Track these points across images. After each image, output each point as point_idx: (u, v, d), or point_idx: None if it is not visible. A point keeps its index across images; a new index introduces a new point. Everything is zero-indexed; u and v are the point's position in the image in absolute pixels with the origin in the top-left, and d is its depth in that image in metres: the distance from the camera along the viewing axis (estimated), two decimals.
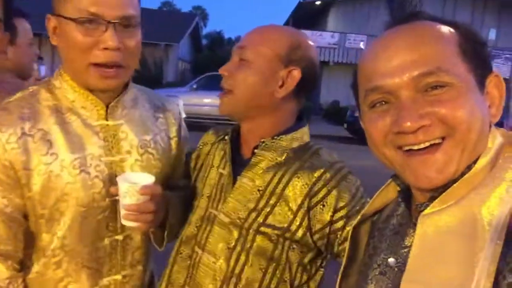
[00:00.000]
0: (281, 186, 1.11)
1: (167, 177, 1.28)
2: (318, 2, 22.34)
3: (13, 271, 1.10)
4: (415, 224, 0.71)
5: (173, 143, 1.30)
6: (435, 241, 0.67)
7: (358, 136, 12.47)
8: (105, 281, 1.17)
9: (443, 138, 0.68)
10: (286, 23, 27.68)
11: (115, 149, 1.15)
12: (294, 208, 1.09)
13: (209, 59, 26.89)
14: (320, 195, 1.08)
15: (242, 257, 1.11)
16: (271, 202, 1.10)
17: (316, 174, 1.09)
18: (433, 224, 0.68)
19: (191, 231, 1.20)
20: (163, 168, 1.24)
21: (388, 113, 0.71)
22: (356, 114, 13.90)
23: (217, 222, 1.15)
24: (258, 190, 1.12)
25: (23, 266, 1.14)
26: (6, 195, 1.06)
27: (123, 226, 1.15)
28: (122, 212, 1.06)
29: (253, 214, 1.11)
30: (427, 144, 0.68)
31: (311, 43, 1.20)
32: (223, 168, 1.20)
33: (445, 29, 0.72)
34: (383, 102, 0.72)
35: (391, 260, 0.76)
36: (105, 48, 1.04)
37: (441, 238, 0.67)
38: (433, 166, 0.68)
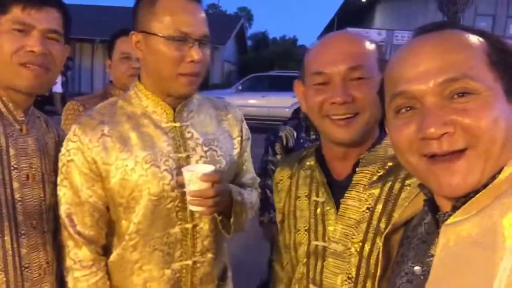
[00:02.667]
0: (392, 199, 1.05)
1: (231, 172, 1.41)
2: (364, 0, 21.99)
3: (96, 254, 1.27)
4: (439, 233, 0.71)
5: (236, 142, 1.43)
6: (456, 250, 0.66)
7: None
8: (176, 265, 1.30)
9: (466, 148, 0.67)
10: (331, 21, 27.41)
11: (182, 147, 1.30)
12: None
13: (254, 60, 27.11)
14: None
15: (368, 285, 1.04)
16: (385, 218, 1.04)
17: None
18: (455, 233, 0.67)
19: (300, 271, 1.16)
20: (226, 164, 1.36)
21: (413, 119, 0.71)
22: None
23: (329, 253, 1.09)
24: (368, 209, 1.06)
25: (106, 251, 1.31)
26: (90, 187, 1.24)
27: (192, 216, 1.29)
28: (188, 198, 1.20)
29: (370, 235, 1.05)
30: (450, 151, 0.68)
31: None
32: (317, 196, 1.14)
33: (473, 37, 0.72)
34: (408, 108, 0.72)
35: (417, 268, 0.77)
36: (191, 61, 1.21)
37: (462, 248, 0.66)
38: (456, 174, 0.68)
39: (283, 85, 13.87)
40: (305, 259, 1.14)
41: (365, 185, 1.07)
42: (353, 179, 1.08)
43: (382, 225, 1.03)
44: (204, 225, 1.32)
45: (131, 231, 1.26)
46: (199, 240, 1.32)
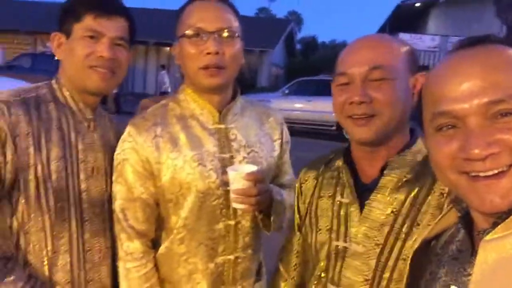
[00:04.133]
0: (417, 204, 1.06)
1: (271, 172, 1.49)
2: (418, 4, 21.44)
3: (146, 247, 1.38)
4: (477, 252, 0.70)
5: (276, 144, 1.51)
6: (496, 268, 0.66)
7: None
8: (220, 259, 1.39)
9: (510, 165, 0.67)
10: (383, 27, 26.88)
11: (226, 147, 1.38)
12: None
13: (302, 64, 27.02)
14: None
15: (384, 287, 1.06)
16: (408, 223, 1.05)
17: None
18: (495, 250, 0.66)
19: (320, 269, 1.19)
20: (267, 164, 1.44)
21: (455, 138, 0.70)
22: None
23: (350, 254, 1.11)
24: (392, 212, 1.07)
25: (155, 245, 1.41)
26: (142, 184, 1.35)
27: (235, 213, 1.38)
28: (232, 196, 1.28)
29: (391, 239, 1.06)
30: (495, 171, 0.67)
31: None
32: (342, 197, 1.16)
33: None
34: (450, 126, 0.72)
35: (453, 287, 0.75)
36: (208, 53, 1.29)
37: (502, 265, 0.65)
38: (498, 191, 0.67)
39: (330, 90, 13.69)
40: (325, 259, 1.17)
41: (391, 189, 1.08)
42: (380, 182, 1.10)
43: (404, 229, 1.05)
44: (246, 223, 1.40)
45: (179, 226, 1.35)
46: (241, 237, 1.40)
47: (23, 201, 1.26)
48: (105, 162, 1.41)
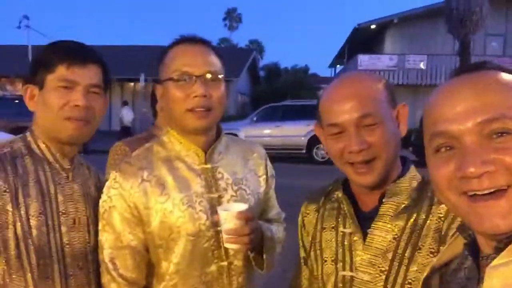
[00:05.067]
0: (417, 229, 1.09)
1: (259, 209, 1.47)
2: (373, 26, 22.25)
3: None
4: (483, 278, 0.69)
5: (262, 180, 1.50)
6: None
7: (424, 159, 12.08)
8: None
9: (508, 186, 0.67)
10: (342, 49, 27.69)
11: (214, 187, 1.37)
12: (435, 247, 1.06)
13: (267, 91, 27.36)
14: (454, 225, 1.05)
15: None
16: (410, 248, 1.08)
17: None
18: (501, 276, 0.66)
19: None
20: (255, 201, 1.43)
21: (453, 158, 0.71)
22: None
23: (357, 283, 1.13)
24: (394, 239, 1.10)
25: None
26: (131, 231, 1.31)
27: (227, 253, 1.35)
28: (224, 236, 1.26)
29: (395, 264, 1.08)
30: (492, 190, 0.67)
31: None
32: (344, 227, 1.18)
33: (509, 77, 0.73)
34: (448, 147, 0.73)
35: None
36: (195, 96, 1.29)
37: None
38: (498, 213, 0.67)
39: (297, 114, 14.01)
40: None
41: (391, 216, 1.11)
42: (380, 210, 1.13)
43: (407, 254, 1.07)
44: (238, 262, 1.38)
45: (171, 271, 1.32)
46: (234, 277, 1.37)
47: (3, 261, 1.20)
48: (86, 212, 1.37)
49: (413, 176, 1.16)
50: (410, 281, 1.06)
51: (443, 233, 1.06)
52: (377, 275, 1.10)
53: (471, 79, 0.74)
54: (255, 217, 1.31)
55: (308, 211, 1.32)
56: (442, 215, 1.07)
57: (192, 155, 1.38)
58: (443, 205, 1.06)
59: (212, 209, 1.33)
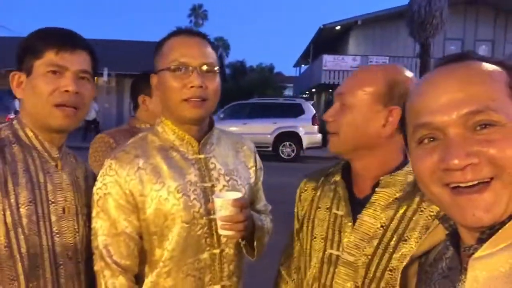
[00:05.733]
0: (405, 221, 1.14)
1: (249, 199, 1.50)
2: (338, 27, 22.63)
3: (131, 283, 1.34)
4: (465, 269, 0.69)
5: (252, 171, 1.55)
6: (486, 286, 0.65)
7: None
8: None
9: (491, 178, 0.66)
10: (307, 49, 28.02)
11: (207, 177, 1.40)
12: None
13: (233, 89, 27.37)
14: None
15: None
16: (396, 237, 1.13)
17: None
18: (485, 268, 0.66)
19: (312, 275, 1.26)
20: (245, 192, 1.46)
21: (436, 150, 0.70)
22: None
23: (341, 262, 1.19)
24: (381, 227, 1.15)
25: (138, 280, 1.38)
26: (126, 218, 1.32)
27: (219, 241, 1.38)
28: (219, 223, 1.29)
29: (380, 251, 1.14)
30: (475, 182, 0.67)
31: (408, 75, 1.21)
32: (337, 209, 1.24)
33: (494, 69, 0.72)
34: (432, 139, 0.72)
35: None
36: (191, 87, 1.32)
37: (493, 284, 0.64)
38: (480, 205, 0.66)
39: (263, 112, 14.12)
40: (318, 265, 1.25)
41: (382, 205, 1.17)
42: (372, 198, 1.18)
43: (392, 243, 1.13)
44: (230, 250, 1.41)
45: (165, 258, 1.34)
46: (226, 265, 1.41)
47: None
48: (75, 201, 1.36)
49: (410, 170, 1.17)
50: (391, 268, 1.12)
51: (431, 229, 1.10)
52: (360, 258, 1.16)
53: (455, 70, 0.73)
54: (248, 205, 1.35)
55: (306, 188, 1.39)
56: (433, 214, 1.12)
57: (186, 145, 1.40)
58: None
59: (205, 198, 1.36)
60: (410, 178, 1.17)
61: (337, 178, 1.28)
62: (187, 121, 1.38)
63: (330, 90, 26.31)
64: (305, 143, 13.75)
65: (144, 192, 1.32)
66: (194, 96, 1.32)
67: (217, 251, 1.39)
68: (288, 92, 38.46)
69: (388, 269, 1.12)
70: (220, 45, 40.93)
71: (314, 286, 1.25)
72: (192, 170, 1.38)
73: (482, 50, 21.28)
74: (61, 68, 1.28)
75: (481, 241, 0.69)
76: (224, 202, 1.28)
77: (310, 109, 14.27)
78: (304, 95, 29.19)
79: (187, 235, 1.34)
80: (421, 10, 14.94)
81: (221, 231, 1.30)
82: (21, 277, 1.21)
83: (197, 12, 60.84)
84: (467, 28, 21.51)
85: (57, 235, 1.29)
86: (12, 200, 1.21)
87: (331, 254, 1.22)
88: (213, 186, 1.40)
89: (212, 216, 1.34)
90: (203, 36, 1.41)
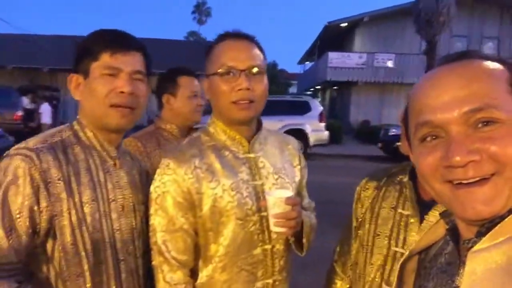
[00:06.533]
0: None
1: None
2: (344, 24, 22.61)
3: (188, 277, 1.40)
4: (464, 263, 0.70)
5: (297, 170, 1.59)
6: (484, 279, 0.65)
7: (393, 155, 12.43)
8: (259, 284, 1.44)
9: (492, 174, 0.67)
10: (313, 46, 27.99)
11: (257, 175, 1.45)
12: None
13: None
14: None
15: None
16: None
17: None
18: (483, 261, 0.66)
19: (374, 271, 1.31)
20: (292, 189, 1.50)
21: (438, 148, 0.71)
22: (391, 133, 13.71)
23: None
24: None
25: (192, 274, 1.43)
26: (183, 215, 1.38)
27: (270, 237, 1.43)
28: (272, 220, 1.34)
29: None
30: (477, 179, 0.68)
31: None
32: (403, 209, 1.29)
33: (495, 67, 0.73)
34: (434, 137, 0.73)
35: None
36: (239, 89, 1.37)
37: (490, 276, 0.65)
38: (480, 198, 0.67)
39: (270, 109, 14.03)
40: (382, 262, 1.30)
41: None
42: None
43: None
44: (280, 246, 1.46)
45: (220, 254, 1.39)
46: (277, 260, 1.46)
47: (59, 248, 1.23)
48: (132, 198, 1.41)
49: None
50: None
51: None
52: None
53: (456, 68, 0.74)
54: (299, 203, 1.40)
55: (367, 186, 1.43)
56: None
57: (237, 144, 1.45)
58: None
59: (256, 196, 1.41)
60: None
61: (405, 179, 1.33)
62: (237, 122, 1.44)
63: (335, 88, 26.31)
64: (311, 140, 13.77)
65: (201, 190, 1.37)
66: (242, 99, 1.38)
67: (268, 246, 1.44)
68: (292, 89, 38.46)
69: None
70: None
71: (377, 281, 1.30)
72: (243, 168, 1.43)
73: (488, 47, 21.26)
74: (116, 70, 1.32)
75: (480, 234, 0.69)
76: (278, 200, 1.32)
77: (317, 106, 14.30)
78: (308, 92, 29.17)
79: (240, 231, 1.39)
80: (427, 8, 14.91)
81: (274, 228, 1.35)
82: (87, 273, 1.26)
83: (201, 9, 60.85)
84: (473, 25, 21.48)
85: (118, 232, 1.34)
86: (76, 200, 1.25)
87: (396, 252, 1.27)
88: (263, 184, 1.44)
89: (263, 213, 1.39)
90: (251, 39, 1.45)
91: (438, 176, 0.71)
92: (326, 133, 13.73)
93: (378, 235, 1.32)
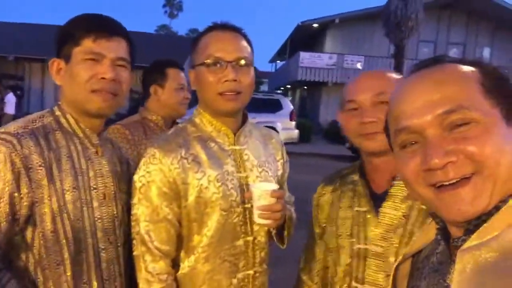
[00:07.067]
0: (424, 208, 1.20)
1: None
2: (315, 25, 22.83)
3: (170, 267, 1.40)
4: (454, 261, 0.70)
5: (279, 164, 1.62)
6: (474, 276, 0.66)
7: (360, 155, 12.62)
8: (241, 275, 1.45)
9: (472, 174, 0.69)
10: (284, 45, 28.14)
11: (242, 167, 1.46)
12: None
13: None
14: None
15: None
16: (418, 224, 1.21)
17: None
18: (472, 259, 0.67)
19: (342, 271, 1.33)
20: (275, 183, 1.52)
21: (417, 153, 0.73)
22: None
23: (370, 254, 1.26)
24: (403, 216, 1.23)
25: (174, 265, 1.43)
26: (168, 205, 1.37)
27: (252, 229, 1.45)
28: (257, 212, 1.35)
29: (405, 239, 1.21)
30: (457, 179, 0.69)
31: None
32: (359, 206, 1.32)
33: (466, 68, 0.75)
34: (413, 142, 0.75)
35: None
36: (226, 81, 1.37)
37: (480, 273, 0.66)
38: (463, 199, 0.69)
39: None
40: (348, 260, 1.32)
41: (401, 197, 1.25)
42: (390, 191, 1.27)
43: (415, 229, 1.21)
44: (262, 238, 1.48)
45: (204, 244, 1.39)
46: (258, 252, 1.47)
47: (39, 236, 1.20)
48: (114, 187, 1.39)
49: None
50: None
51: None
52: (388, 248, 1.24)
53: (428, 73, 0.76)
54: (284, 196, 1.42)
55: (324, 192, 1.46)
56: None
57: (222, 136, 1.46)
58: None
59: (241, 188, 1.42)
60: None
61: (355, 177, 1.37)
62: (223, 114, 1.44)
63: (305, 87, 26.56)
64: (282, 138, 13.73)
65: (187, 180, 1.37)
66: (229, 90, 1.38)
67: (250, 238, 1.45)
68: (263, 87, 38.52)
69: None
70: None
71: (347, 280, 1.32)
72: (228, 160, 1.44)
73: (453, 53, 21.91)
74: (98, 55, 1.29)
75: (468, 232, 0.71)
76: (263, 193, 1.33)
77: (288, 104, 14.41)
78: (279, 91, 29.34)
79: (225, 222, 1.40)
80: (397, 12, 15.23)
81: (258, 220, 1.36)
82: (67, 262, 1.24)
83: (172, 3, 60.07)
84: (440, 31, 22.12)
85: (99, 221, 1.32)
86: (58, 187, 1.23)
87: (359, 249, 1.29)
88: (247, 176, 1.45)
89: (246, 205, 1.41)
90: (238, 30, 1.45)
91: (420, 181, 0.73)
92: (296, 131, 13.87)
93: (340, 235, 1.35)
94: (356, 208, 1.33)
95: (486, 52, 22.06)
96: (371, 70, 1.38)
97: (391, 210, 1.26)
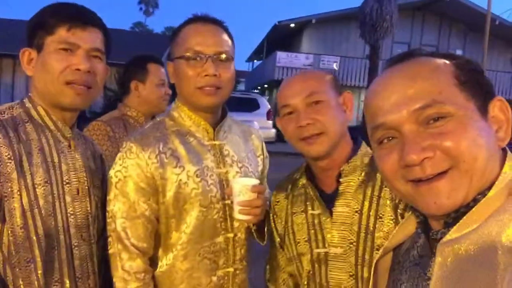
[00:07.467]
0: (375, 200, 1.21)
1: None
2: (292, 25, 22.91)
3: (147, 266, 1.35)
4: (435, 254, 0.71)
5: (259, 160, 1.60)
6: (454, 269, 0.67)
7: None
8: (220, 272, 1.42)
9: (449, 168, 0.69)
10: (261, 44, 28.15)
11: (221, 163, 1.43)
12: (393, 215, 1.19)
13: None
14: None
15: (367, 278, 1.17)
16: (372, 217, 1.20)
17: None
18: (452, 252, 0.68)
19: (305, 277, 1.30)
20: (255, 179, 1.48)
21: (395, 149, 0.73)
22: None
23: (331, 257, 1.25)
24: (356, 212, 1.22)
25: (152, 263, 1.39)
26: (145, 200, 1.33)
27: (232, 225, 1.42)
28: (237, 208, 1.32)
29: (362, 234, 1.20)
30: (435, 174, 0.69)
31: None
32: (312, 209, 1.29)
33: (440, 62, 0.74)
34: (390, 138, 0.75)
35: None
36: (206, 75, 1.34)
37: (460, 266, 0.66)
38: (440, 193, 0.69)
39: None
40: (309, 266, 1.29)
41: (350, 193, 1.24)
42: (339, 189, 1.25)
43: (371, 224, 1.20)
44: (242, 235, 1.46)
45: (182, 241, 1.35)
46: (238, 249, 1.45)
47: (8, 232, 1.15)
48: (87, 182, 1.34)
49: (364, 153, 1.28)
50: (377, 247, 1.18)
51: (396, 201, 1.19)
52: (348, 247, 1.22)
53: (402, 69, 0.75)
54: (264, 191, 1.40)
55: (278, 199, 1.43)
56: None
57: (202, 131, 1.42)
58: None
59: (220, 183, 1.39)
60: (366, 160, 1.27)
61: (303, 181, 1.34)
62: (202, 109, 1.40)
63: None
64: None
65: (165, 176, 1.33)
66: (208, 85, 1.35)
67: (231, 235, 1.42)
68: (240, 86, 38.46)
69: (375, 248, 1.18)
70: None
71: (311, 285, 1.29)
72: (208, 155, 1.40)
73: None
74: (73, 45, 1.24)
75: (448, 225, 0.71)
76: (244, 188, 1.31)
77: (265, 104, 14.42)
78: (255, 91, 29.36)
79: (204, 218, 1.36)
80: (372, 13, 15.44)
81: (238, 216, 1.34)
82: (38, 259, 1.18)
83: (148, 0, 59.31)
84: (413, 33, 22.51)
85: (72, 216, 1.27)
86: (28, 181, 1.18)
87: (319, 253, 1.27)
88: (227, 172, 1.42)
89: (226, 202, 1.38)
90: (219, 24, 1.41)
91: (399, 177, 0.74)
92: (273, 130, 13.88)
93: (299, 242, 1.32)
94: (310, 212, 1.30)
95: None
96: (301, 72, 1.35)
97: (343, 207, 1.24)
